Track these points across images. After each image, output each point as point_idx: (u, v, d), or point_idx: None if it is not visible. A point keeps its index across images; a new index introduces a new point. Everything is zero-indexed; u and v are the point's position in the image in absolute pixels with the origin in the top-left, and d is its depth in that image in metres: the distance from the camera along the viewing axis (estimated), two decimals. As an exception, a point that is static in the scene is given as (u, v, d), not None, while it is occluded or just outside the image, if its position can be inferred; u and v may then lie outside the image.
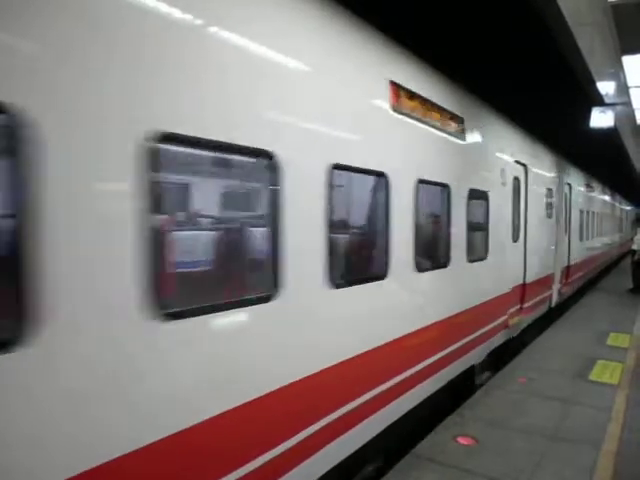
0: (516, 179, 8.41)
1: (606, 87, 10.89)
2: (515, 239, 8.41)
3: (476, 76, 6.96)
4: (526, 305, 9.07)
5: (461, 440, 5.15)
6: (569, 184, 13.30)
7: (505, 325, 7.92)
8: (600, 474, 4.53)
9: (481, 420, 5.68)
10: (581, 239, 15.12)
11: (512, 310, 8.29)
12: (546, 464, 4.71)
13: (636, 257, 15.64)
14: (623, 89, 11.87)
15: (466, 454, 4.88)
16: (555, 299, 11.74)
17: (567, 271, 12.97)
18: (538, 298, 10.10)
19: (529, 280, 9.14)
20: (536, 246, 9.68)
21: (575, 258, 14.01)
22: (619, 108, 11.15)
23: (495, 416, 5.81)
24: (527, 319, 9.31)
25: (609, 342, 9.32)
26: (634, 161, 20.56)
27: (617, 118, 10.52)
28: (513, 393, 6.57)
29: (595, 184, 18.41)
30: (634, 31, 7.93)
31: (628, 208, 34.89)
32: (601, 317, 11.72)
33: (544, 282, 10.57)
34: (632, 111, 14.46)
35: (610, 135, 12.11)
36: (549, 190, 10.86)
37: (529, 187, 9.11)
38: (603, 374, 7.41)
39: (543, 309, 10.77)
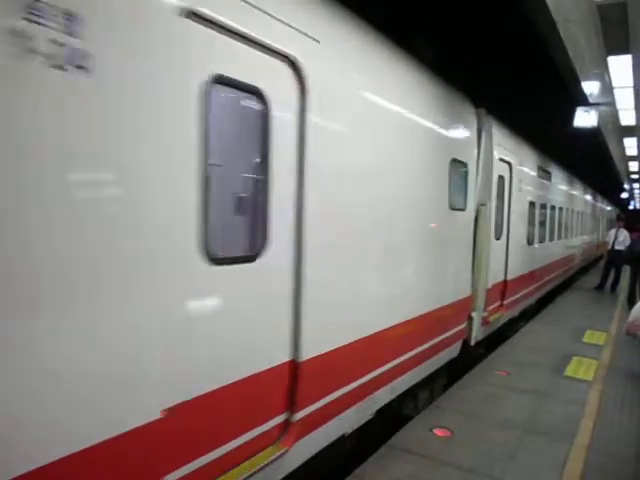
0: None
1: (591, 87, 11.00)
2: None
3: (462, 73, 6.97)
4: None
5: (437, 432, 5.20)
6: None
7: None
8: (571, 465, 4.62)
9: (458, 412, 5.74)
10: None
11: None
12: (520, 456, 4.78)
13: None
14: (608, 89, 11.98)
15: (442, 445, 4.93)
16: None
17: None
18: None
19: None
20: None
21: None
22: (602, 108, 11.27)
23: (471, 408, 5.87)
24: None
25: (585, 339, 9.47)
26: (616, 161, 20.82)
27: (601, 118, 10.64)
28: (490, 386, 6.65)
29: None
30: (619, 32, 7.98)
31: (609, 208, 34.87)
32: (578, 315, 11.91)
33: None
34: (616, 112, 14.62)
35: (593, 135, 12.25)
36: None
37: None
38: (578, 370, 7.54)
39: None
